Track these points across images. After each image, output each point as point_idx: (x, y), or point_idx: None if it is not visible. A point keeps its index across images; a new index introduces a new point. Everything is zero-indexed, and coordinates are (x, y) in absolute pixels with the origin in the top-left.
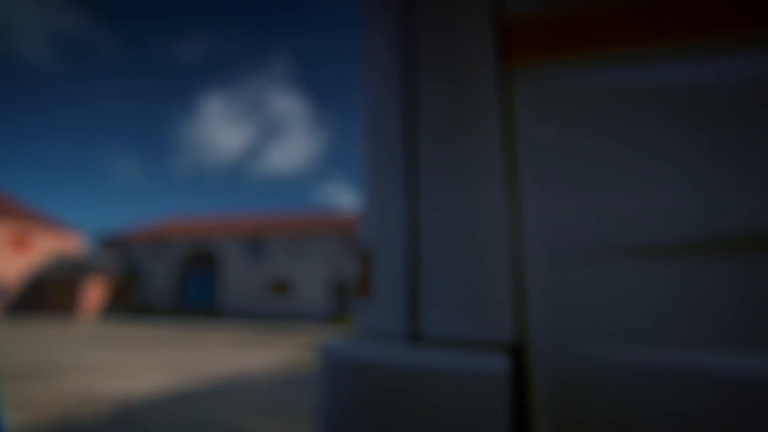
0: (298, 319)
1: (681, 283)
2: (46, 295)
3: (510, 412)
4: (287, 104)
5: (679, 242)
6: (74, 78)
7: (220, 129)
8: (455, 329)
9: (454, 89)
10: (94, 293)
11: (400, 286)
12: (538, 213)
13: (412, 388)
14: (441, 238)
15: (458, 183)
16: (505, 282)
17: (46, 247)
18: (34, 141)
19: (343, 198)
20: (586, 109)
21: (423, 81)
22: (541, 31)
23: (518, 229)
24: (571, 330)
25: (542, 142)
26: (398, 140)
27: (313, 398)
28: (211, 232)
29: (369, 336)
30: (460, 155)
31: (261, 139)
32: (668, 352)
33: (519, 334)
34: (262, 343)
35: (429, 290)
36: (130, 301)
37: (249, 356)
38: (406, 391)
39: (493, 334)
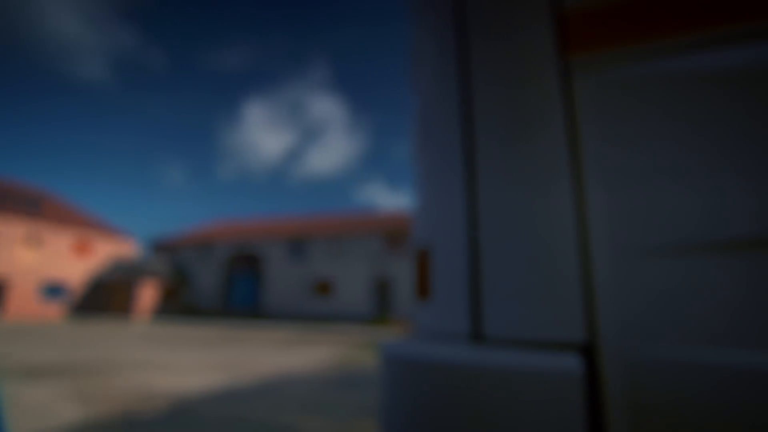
0: (340, 320)
1: (759, 279)
2: (105, 296)
3: (587, 412)
4: (326, 106)
5: (757, 237)
6: (128, 92)
7: (262, 134)
8: (519, 329)
9: (511, 84)
10: (147, 295)
11: (461, 286)
12: (604, 208)
13: (481, 387)
14: (502, 237)
15: (519, 179)
16: (573, 281)
17: (105, 252)
18: (93, 154)
19: (383, 198)
20: (649, 99)
21: (477, 77)
22: (599, 21)
23: (585, 225)
24: (644, 329)
25: (605, 135)
26: (454, 138)
27: (360, 397)
28: (254, 235)
29: (429, 336)
30: (521, 151)
31: (301, 142)
32: (746, 353)
33: (589, 333)
34: (306, 342)
35: (491, 290)
36: (178, 302)
37: (294, 355)
38: (473, 389)
39: (561, 334)
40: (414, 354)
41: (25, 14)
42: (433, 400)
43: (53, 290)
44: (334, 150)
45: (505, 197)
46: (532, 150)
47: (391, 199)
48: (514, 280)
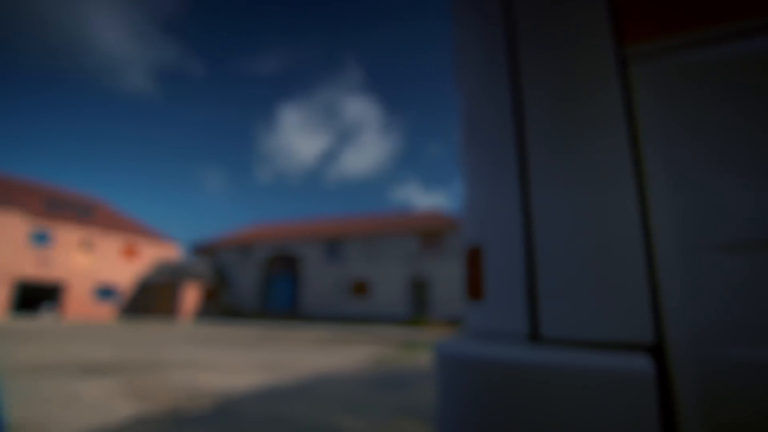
0: (377, 321)
1: None
2: (151, 297)
3: (660, 414)
4: (360, 107)
5: None
6: (170, 103)
7: (298, 136)
8: (579, 330)
9: (564, 78)
10: (190, 296)
11: (517, 285)
12: (670, 203)
13: (544, 387)
14: (558, 235)
15: (576, 175)
16: (638, 280)
17: (151, 255)
18: (138, 163)
19: (418, 197)
20: (715, 88)
21: (527, 72)
22: (655, 7)
23: (649, 221)
24: (716, 328)
25: (668, 127)
26: (505, 135)
27: (400, 397)
28: (291, 237)
29: (482, 336)
30: (576, 146)
31: (336, 144)
32: None
33: (656, 333)
34: (343, 343)
35: (548, 290)
36: (219, 304)
37: (332, 356)
38: (536, 389)
39: (626, 335)
40: (473, 353)
41: (78, 35)
42: (493, 400)
43: (105, 292)
44: (368, 151)
45: (560, 194)
46: (589, 145)
47: (426, 199)
48: (572, 279)
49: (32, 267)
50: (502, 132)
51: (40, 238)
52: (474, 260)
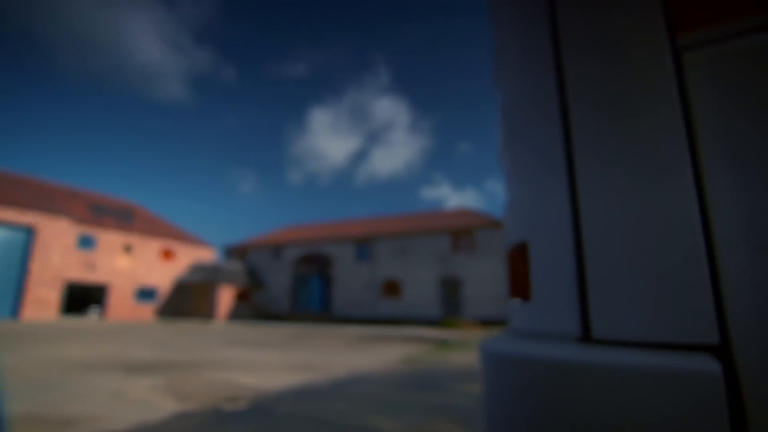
0: (408, 321)
1: None
2: (187, 298)
3: (730, 415)
4: (389, 107)
5: None
6: (202, 108)
7: (328, 137)
8: (635, 331)
9: (612, 70)
10: (224, 297)
11: (567, 285)
12: (735, 199)
13: (603, 388)
14: (610, 232)
15: (628, 169)
16: (701, 281)
17: (187, 258)
18: (173, 169)
19: (449, 196)
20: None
21: (571, 67)
22: None
23: (711, 220)
24: None
25: (727, 119)
26: (550, 130)
27: (433, 398)
28: (322, 238)
29: (530, 336)
30: (629, 141)
31: (366, 144)
32: None
33: (720, 334)
34: (375, 343)
35: (599, 290)
36: (252, 305)
37: (364, 356)
38: (592, 389)
39: (689, 336)
40: (526, 352)
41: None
42: (548, 399)
43: (145, 293)
44: (398, 150)
45: (611, 190)
46: (642, 139)
47: (457, 198)
48: (626, 279)
49: (79, 270)
50: (548, 128)
51: (86, 243)
52: (519, 258)
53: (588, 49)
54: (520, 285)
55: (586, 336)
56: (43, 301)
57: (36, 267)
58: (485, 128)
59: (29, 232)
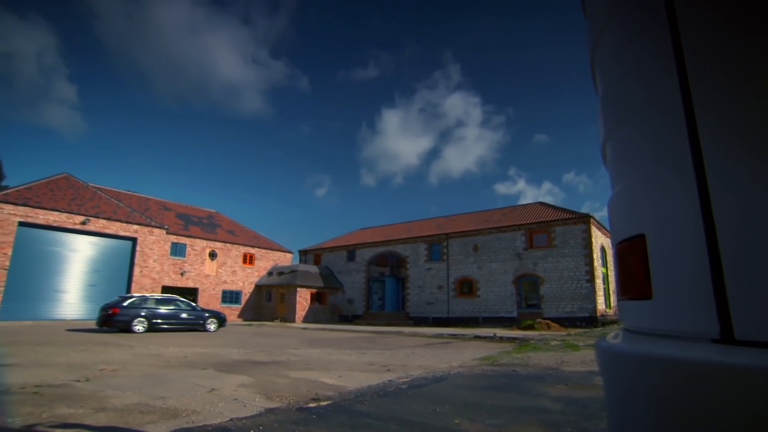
0: (484, 320)
1: None
2: (267, 301)
3: None
4: (460, 104)
5: None
6: (280, 119)
7: (400, 138)
8: None
9: (741, 38)
10: (302, 299)
11: (699, 283)
12: None
13: (749, 390)
14: (751, 226)
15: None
16: None
17: (266, 263)
18: (253, 179)
19: (526, 192)
20: None
21: (689, 37)
22: None
23: None
24: None
25: None
26: (670, 111)
27: (514, 400)
28: (395, 239)
29: (655, 336)
30: (762, 117)
31: (439, 143)
32: None
33: None
34: (451, 343)
35: (738, 288)
36: (328, 306)
37: (441, 356)
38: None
39: None
40: (659, 353)
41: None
42: (687, 400)
43: (230, 296)
44: (470, 147)
45: (747, 177)
46: None
47: (532, 193)
48: None
49: (173, 276)
50: (667, 110)
51: (177, 250)
52: (634, 253)
53: (708, 18)
54: (636, 282)
55: (726, 337)
56: None
57: (137, 274)
58: (562, 121)
59: (132, 242)
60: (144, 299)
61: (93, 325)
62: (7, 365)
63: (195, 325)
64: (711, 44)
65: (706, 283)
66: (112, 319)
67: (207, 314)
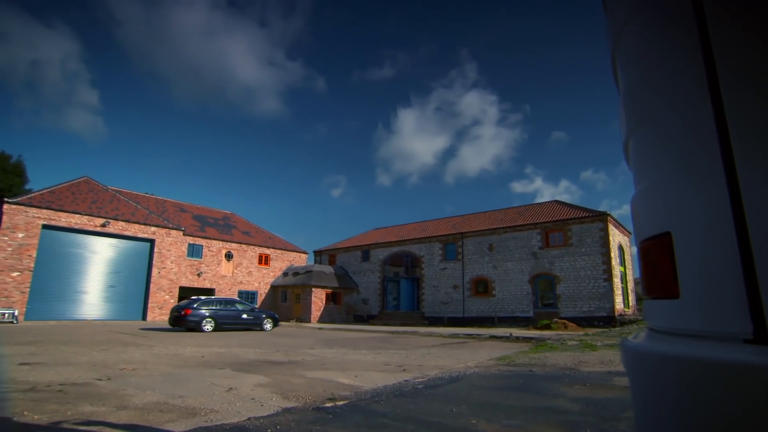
0: (499, 320)
1: None
2: (283, 301)
3: None
4: (477, 103)
5: None
6: (296, 120)
7: (416, 138)
8: None
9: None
10: (317, 299)
11: (730, 282)
12: None
13: None
14: None
15: None
16: None
17: (281, 263)
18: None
19: (543, 190)
20: None
21: (716, 27)
22: None
23: None
24: None
25: None
26: (697, 105)
27: (531, 400)
28: (409, 239)
29: (683, 336)
30: None
31: (455, 141)
32: None
33: None
34: (467, 343)
35: None
36: (343, 306)
37: (457, 356)
38: None
39: None
40: (689, 354)
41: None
42: (720, 401)
43: (245, 297)
44: (487, 146)
45: None
46: None
47: (549, 191)
48: None
49: (190, 277)
50: (693, 104)
51: (194, 252)
52: (660, 251)
53: (736, 9)
54: (662, 280)
55: (760, 337)
56: (162, 305)
57: (155, 275)
58: (581, 118)
59: (151, 244)
60: (210, 301)
61: (113, 324)
62: (34, 363)
63: (254, 324)
64: (739, 36)
65: (737, 282)
66: (185, 319)
67: (264, 315)
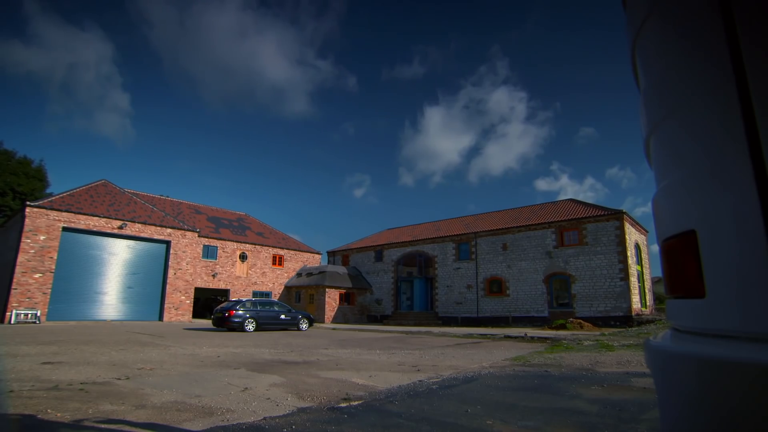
0: (514, 320)
1: None
2: (297, 302)
3: None
4: (504, 100)
5: None
6: (324, 120)
7: (442, 136)
8: None
9: None
10: (331, 300)
11: (759, 281)
12: None
13: None
14: None
15: None
16: None
17: (295, 264)
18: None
19: (568, 188)
20: None
21: (743, 18)
22: None
23: None
24: None
25: None
26: (724, 100)
27: (546, 401)
28: (423, 239)
29: (710, 336)
30: None
31: (480, 139)
32: None
33: None
34: (481, 343)
35: None
36: (356, 306)
37: (472, 356)
38: None
39: None
40: (722, 354)
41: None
42: (752, 402)
43: (260, 297)
44: (513, 143)
45: None
46: None
47: (573, 189)
48: None
49: (205, 278)
50: (721, 99)
51: (209, 253)
52: (684, 250)
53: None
54: (687, 280)
55: None
56: (178, 305)
57: (171, 276)
58: (610, 112)
59: (167, 245)
60: (251, 303)
61: (133, 324)
62: (56, 363)
63: (291, 324)
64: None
65: (767, 281)
66: (229, 319)
67: (300, 315)
